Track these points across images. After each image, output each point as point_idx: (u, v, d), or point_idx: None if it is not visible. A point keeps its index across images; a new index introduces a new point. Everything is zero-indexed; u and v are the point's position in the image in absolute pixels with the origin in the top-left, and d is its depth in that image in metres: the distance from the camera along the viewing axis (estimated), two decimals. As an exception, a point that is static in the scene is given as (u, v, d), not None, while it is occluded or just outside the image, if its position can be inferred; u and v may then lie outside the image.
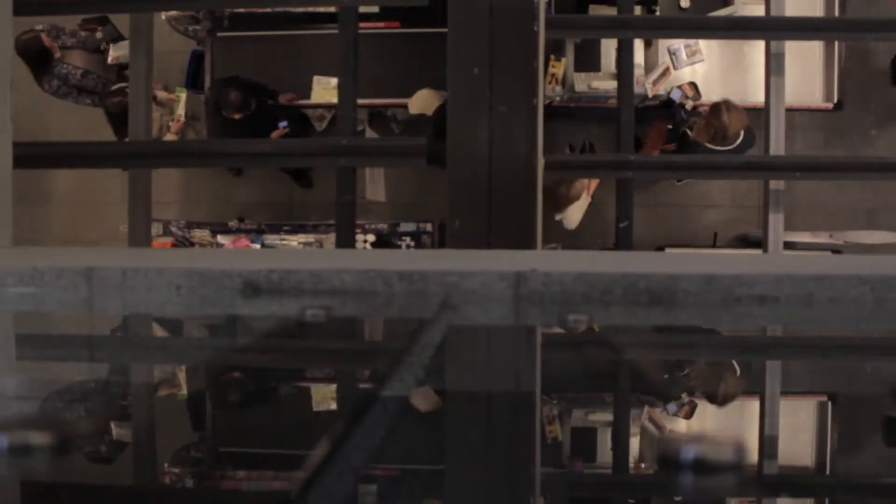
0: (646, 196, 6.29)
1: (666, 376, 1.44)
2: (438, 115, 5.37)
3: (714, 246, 6.16)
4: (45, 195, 6.73)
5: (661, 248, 5.72)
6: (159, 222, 5.62)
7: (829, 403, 1.26)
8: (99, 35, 5.54)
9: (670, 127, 5.60)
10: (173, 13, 5.82)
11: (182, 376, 1.34)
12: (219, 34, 6.00)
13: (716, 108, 5.18)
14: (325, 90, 5.71)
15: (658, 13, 5.81)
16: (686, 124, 5.54)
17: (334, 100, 5.47)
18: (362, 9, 4.50)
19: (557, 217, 5.52)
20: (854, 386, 1.36)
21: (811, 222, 6.09)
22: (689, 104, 5.70)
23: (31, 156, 3.54)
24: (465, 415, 1.09)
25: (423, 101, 5.46)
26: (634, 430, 1.10)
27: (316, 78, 5.75)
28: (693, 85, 5.84)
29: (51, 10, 4.07)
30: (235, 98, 5.23)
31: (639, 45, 5.59)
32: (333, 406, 1.16)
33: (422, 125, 5.37)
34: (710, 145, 5.16)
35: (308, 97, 5.80)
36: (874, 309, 1.62)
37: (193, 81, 6.10)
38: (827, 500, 0.90)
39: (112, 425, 1.02)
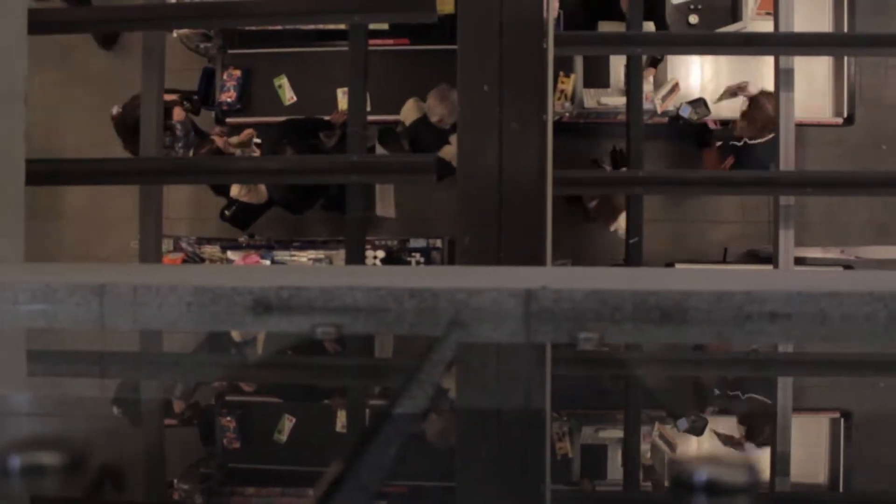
0: (655, 212, 6.28)
1: (676, 393, 1.43)
2: (410, 129, 5.38)
3: (724, 262, 6.15)
4: (57, 211, 6.78)
5: (671, 264, 5.71)
6: (170, 238, 5.65)
7: (842, 421, 1.26)
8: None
9: (719, 144, 5.64)
10: (185, 31, 5.88)
11: (192, 393, 1.34)
12: (230, 52, 6.05)
13: (756, 101, 5.21)
14: None
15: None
16: (728, 134, 5.59)
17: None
18: (372, 26, 4.53)
19: (612, 228, 5.54)
20: (868, 403, 1.35)
21: (822, 238, 6.07)
22: (710, 122, 5.74)
23: (44, 172, 3.57)
24: (475, 432, 1.08)
25: (405, 111, 5.49)
26: (645, 447, 1.10)
27: (340, 90, 5.76)
28: (702, 101, 5.85)
29: (64, 28, 4.11)
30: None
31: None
32: (344, 424, 1.16)
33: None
34: (760, 140, 5.20)
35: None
36: (888, 326, 1.61)
37: (205, 99, 6.15)
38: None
39: (120, 442, 1.02)
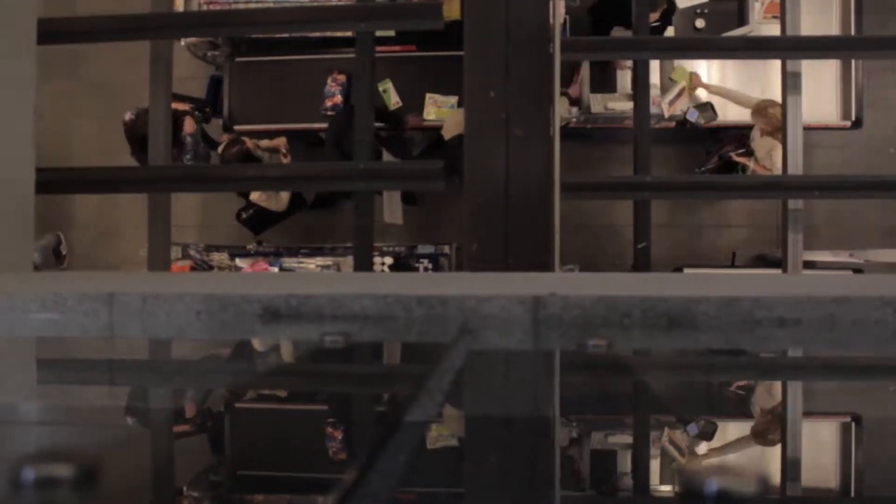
0: (664, 216, 6.28)
1: (685, 399, 1.43)
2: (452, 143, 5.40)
3: (733, 266, 6.13)
4: (66, 219, 6.81)
5: (679, 269, 5.70)
6: (178, 246, 5.67)
7: (853, 425, 1.25)
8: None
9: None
10: (192, 39, 5.90)
11: (202, 400, 1.35)
12: (237, 59, 6.08)
13: (759, 109, 5.25)
14: (439, 109, 5.72)
15: (673, 34, 5.83)
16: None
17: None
18: (378, 32, 4.54)
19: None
20: (878, 408, 1.35)
21: (831, 241, 6.05)
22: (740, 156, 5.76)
23: (53, 181, 3.58)
24: (485, 440, 1.08)
25: (460, 121, 5.50)
26: (655, 452, 1.10)
27: (429, 96, 5.76)
28: (710, 105, 5.84)
29: (72, 38, 4.13)
30: None
31: (654, 65, 5.61)
32: (354, 432, 1.16)
33: (443, 147, 5.40)
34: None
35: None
36: (897, 331, 1.61)
37: (213, 107, 6.18)
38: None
39: (131, 451, 1.02)
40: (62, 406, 1.26)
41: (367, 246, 3.73)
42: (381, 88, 5.90)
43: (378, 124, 5.43)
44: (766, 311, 1.61)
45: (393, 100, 5.92)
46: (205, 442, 1.14)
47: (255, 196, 5.71)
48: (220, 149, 5.57)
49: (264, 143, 5.65)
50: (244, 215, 5.88)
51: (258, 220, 5.89)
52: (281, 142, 5.70)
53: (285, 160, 5.71)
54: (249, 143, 5.57)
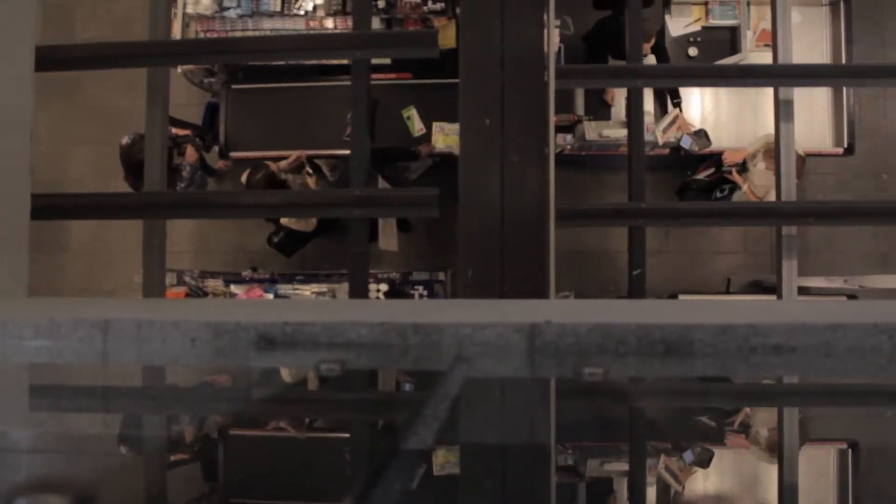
0: (658, 243, 6.29)
1: (681, 425, 1.42)
2: None
3: (727, 292, 6.14)
4: (61, 244, 6.80)
5: (674, 295, 5.70)
6: (173, 272, 5.66)
7: (849, 452, 1.25)
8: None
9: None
10: (189, 66, 5.94)
11: (196, 428, 1.34)
12: (233, 86, 6.11)
13: (771, 150, 5.33)
14: (445, 137, 5.76)
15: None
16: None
17: (455, 147, 5.58)
18: (375, 60, 4.56)
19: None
20: (874, 435, 1.35)
21: (825, 267, 6.07)
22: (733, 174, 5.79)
23: (49, 207, 3.58)
24: (482, 467, 1.08)
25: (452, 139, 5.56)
26: (651, 480, 1.10)
27: (436, 125, 5.81)
28: (703, 132, 5.88)
29: (70, 65, 4.15)
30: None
31: (648, 93, 5.66)
32: (351, 460, 1.16)
33: (436, 173, 5.44)
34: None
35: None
36: (893, 357, 1.61)
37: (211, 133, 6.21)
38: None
39: (123, 477, 1.02)
40: (55, 433, 1.25)
41: (362, 273, 3.72)
42: (405, 115, 5.94)
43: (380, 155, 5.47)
44: (761, 339, 1.61)
45: (417, 126, 5.96)
46: (199, 470, 1.13)
47: (285, 220, 5.76)
48: (243, 177, 5.60)
49: (283, 164, 5.67)
50: (275, 239, 5.93)
51: (289, 243, 5.93)
52: (299, 156, 5.71)
53: (310, 179, 5.74)
54: (273, 166, 5.60)
